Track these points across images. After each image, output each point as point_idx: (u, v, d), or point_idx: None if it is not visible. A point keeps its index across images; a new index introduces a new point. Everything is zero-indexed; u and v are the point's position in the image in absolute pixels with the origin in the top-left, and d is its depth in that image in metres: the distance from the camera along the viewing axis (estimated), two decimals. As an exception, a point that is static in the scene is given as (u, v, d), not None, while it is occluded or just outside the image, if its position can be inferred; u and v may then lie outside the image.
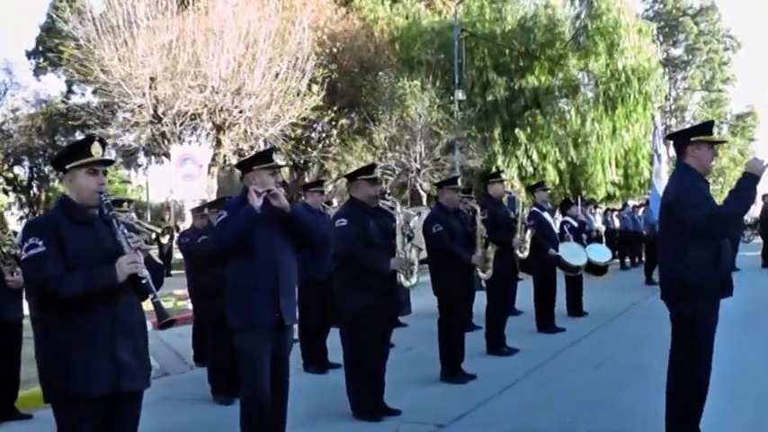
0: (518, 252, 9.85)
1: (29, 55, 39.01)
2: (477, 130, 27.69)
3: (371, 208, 6.86)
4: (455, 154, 26.22)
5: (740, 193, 5.24)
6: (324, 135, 32.27)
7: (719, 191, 56.94)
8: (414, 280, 6.82)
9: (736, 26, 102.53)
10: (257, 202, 5.45)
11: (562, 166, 28.76)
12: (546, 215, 11.53)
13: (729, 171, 59.35)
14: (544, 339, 10.93)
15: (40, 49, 36.98)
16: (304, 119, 18.18)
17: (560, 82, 29.01)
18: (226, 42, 16.61)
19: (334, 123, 31.51)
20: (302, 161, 29.20)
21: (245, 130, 17.65)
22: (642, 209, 23.09)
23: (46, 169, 37.79)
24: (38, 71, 38.26)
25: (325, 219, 8.88)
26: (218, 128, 17.33)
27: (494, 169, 27.69)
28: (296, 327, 6.61)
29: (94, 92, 20.08)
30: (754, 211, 40.84)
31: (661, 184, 17.31)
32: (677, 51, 61.92)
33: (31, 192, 38.50)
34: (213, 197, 18.63)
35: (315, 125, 29.84)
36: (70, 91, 35.87)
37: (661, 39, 59.80)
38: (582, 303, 13.18)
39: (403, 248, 6.74)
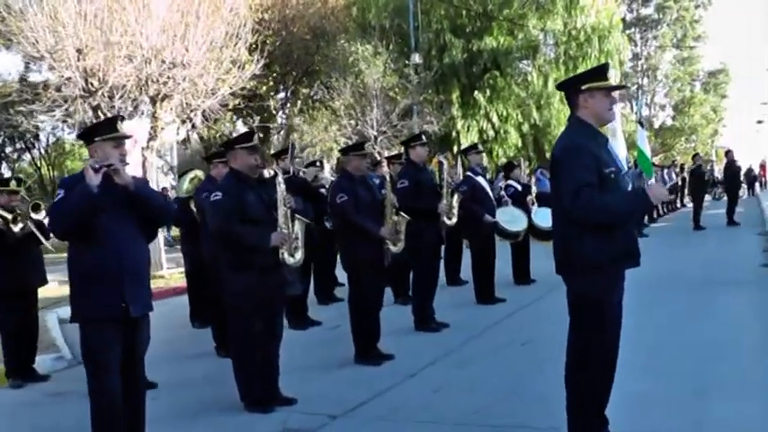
0: (445, 219, 9.19)
1: (-20, 34, 37.86)
2: (435, 94, 27.02)
3: (252, 179, 6.18)
4: (413, 119, 25.55)
5: (631, 200, 4.67)
6: (283, 104, 31.56)
7: (693, 149, 56.77)
8: (298, 256, 6.13)
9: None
10: (94, 180, 4.73)
11: (525, 128, 28.17)
12: (480, 179, 10.86)
13: (702, 128, 59.07)
14: (480, 312, 10.31)
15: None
16: (243, 89, 17.36)
17: (520, 42, 28.23)
18: (154, 10, 15.76)
19: (292, 92, 30.84)
20: (259, 131, 28.44)
21: (182, 102, 16.85)
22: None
23: (7, 150, 37.10)
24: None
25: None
26: (153, 100, 16.52)
27: (453, 134, 27.17)
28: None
29: (50, 68, 19.12)
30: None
31: (617, 142, 16.83)
32: (648, 11, 61.37)
33: (-7, 171, 37.65)
34: (152, 173, 17.95)
35: (273, 94, 29.13)
36: (28, 69, 34.85)
37: (631, -2, 59.42)
38: (529, 270, 12.57)
39: (285, 222, 6.06)
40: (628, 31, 58.36)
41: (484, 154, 11.58)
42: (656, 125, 61.32)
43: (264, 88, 20.53)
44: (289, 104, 32.29)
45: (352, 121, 25.65)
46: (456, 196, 9.55)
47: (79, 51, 15.54)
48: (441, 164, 9.68)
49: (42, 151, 38.32)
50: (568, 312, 4.80)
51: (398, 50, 26.13)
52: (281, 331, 6.46)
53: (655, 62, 61.81)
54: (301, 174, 10.02)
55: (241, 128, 31.38)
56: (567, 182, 4.48)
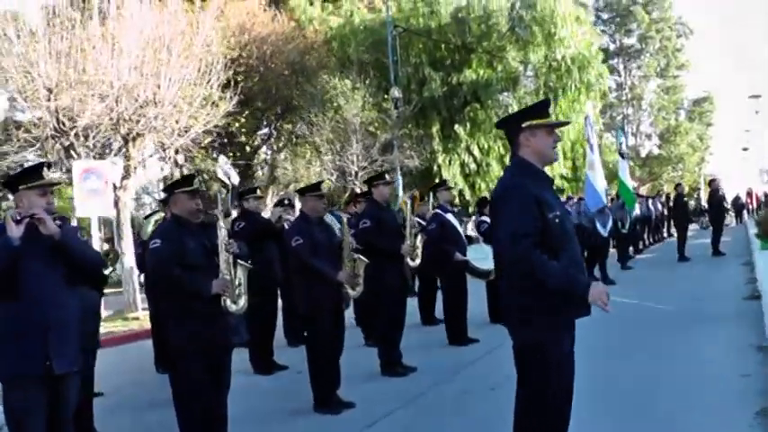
0: (409, 260, 8.92)
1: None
2: (415, 128, 26.89)
3: (193, 224, 5.91)
4: (393, 154, 25.39)
5: (570, 284, 4.18)
6: (264, 140, 31.47)
7: (680, 177, 56.89)
8: (242, 302, 5.85)
9: (687, 12, 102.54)
10: (15, 232, 4.50)
11: (507, 160, 27.91)
12: (450, 216, 10.60)
13: (688, 157, 59.15)
14: (451, 354, 10.01)
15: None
16: (216, 126, 17.14)
17: (500, 75, 28.18)
18: (125, 48, 15.59)
19: (275, 128, 30.77)
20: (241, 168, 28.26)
21: (155, 141, 16.68)
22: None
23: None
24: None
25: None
26: (125, 139, 16.31)
27: (434, 168, 27.01)
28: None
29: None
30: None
31: (595, 175, 16.63)
32: (631, 41, 61.80)
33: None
34: (126, 213, 17.65)
35: (254, 131, 29.06)
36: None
37: (613, 29, 59.90)
38: (505, 308, 12.25)
39: (227, 268, 5.79)
40: (611, 61, 58.86)
41: (453, 191, 11.30)
42: (643, 154, 61.53)
43: (237, 125, 20.24)
44: (271, 140, 32.15)
45: (333, 157, 25.49)
46: (420, 237, 9.29)
47: (50, 91, 15.36)
48: (407, 203, 9.43)
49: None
50: (514, 364, 4.50)
51: (377, 85, 26.01)
52: (229, 381, 6.14)
53: (639, 91, 62.21)
54: (265, 214, 9.83)
55: (223, 164, 31.18)
56: (505, 227, 4.20)
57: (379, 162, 25.35)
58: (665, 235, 31.72)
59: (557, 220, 4.23)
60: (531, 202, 4.17)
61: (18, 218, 4.55)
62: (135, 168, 17.04)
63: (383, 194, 8.92)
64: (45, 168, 4.88)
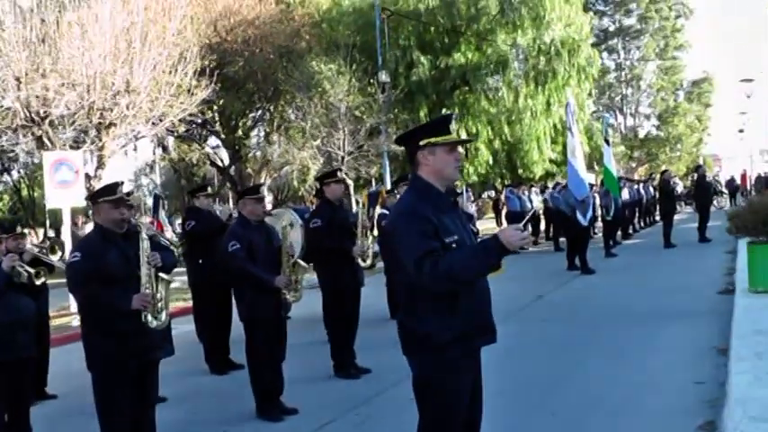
0: (360, 261, 8.73)
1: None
2: (402, 112, 26.65)
3: (117, 235, 5.71)
4: (380, 139, 25.18)
5: (480, 255, 3.91)
6: (256, 124, 31.35)
7: (677, 158, 56.84)
8: (163, 317, 5.65)
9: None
10: None
11: (496, 144, 27.91)
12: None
13: (686, 138, 58.99)
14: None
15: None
16: (191, 114, 16.95)
17: (489, 58, 27.91)
18: (94, 37, 15.36)
19: (266, 111, 30.67)
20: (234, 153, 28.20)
21: (129, 130, 16.49)
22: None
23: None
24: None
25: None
26: (98, 129, 16.12)
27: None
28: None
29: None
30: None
31: (576, 161, 16.53)
32: (630, 21, 61.54)
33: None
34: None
35: (248, 113, 28.94)
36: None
37: (613, 9, 59.63)
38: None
39: (149, 282, 5.59)
40: (610, 42, 58.72)
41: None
42: (641, 135, 61.40)
43: (210, 113, 19.95)
44: (264, 123, 32.01)
45: (318, 142, 25.32)
46: (372, 237, 9.09)
47: (18, 80, 15.16)
48: (359, 202, 9.25)
49: (21, 172, 37.94)
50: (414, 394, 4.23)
51: (364, 69, 25.74)
52: (156, 394, 6.01)
53: (638, 72, 61.93)
54: (218, 213, 9.68)
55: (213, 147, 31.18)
56: (407, 253, 3.93)
57: (365, 147, 25.15)
58: (657, 219, 31.48)
59: (454, 245, 4.00)
60: (428, 226, 3.95)
61: None
62: (109, 157, 16.87)
63: (335, 193, 8.70)
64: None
